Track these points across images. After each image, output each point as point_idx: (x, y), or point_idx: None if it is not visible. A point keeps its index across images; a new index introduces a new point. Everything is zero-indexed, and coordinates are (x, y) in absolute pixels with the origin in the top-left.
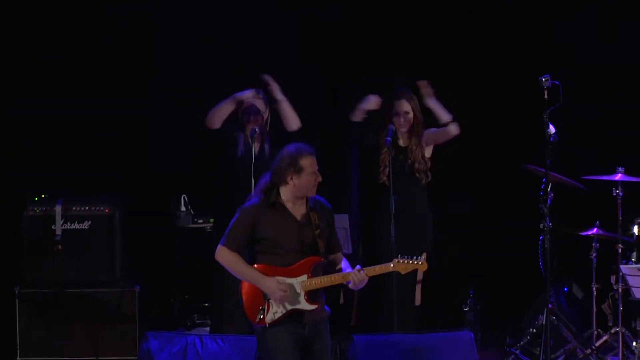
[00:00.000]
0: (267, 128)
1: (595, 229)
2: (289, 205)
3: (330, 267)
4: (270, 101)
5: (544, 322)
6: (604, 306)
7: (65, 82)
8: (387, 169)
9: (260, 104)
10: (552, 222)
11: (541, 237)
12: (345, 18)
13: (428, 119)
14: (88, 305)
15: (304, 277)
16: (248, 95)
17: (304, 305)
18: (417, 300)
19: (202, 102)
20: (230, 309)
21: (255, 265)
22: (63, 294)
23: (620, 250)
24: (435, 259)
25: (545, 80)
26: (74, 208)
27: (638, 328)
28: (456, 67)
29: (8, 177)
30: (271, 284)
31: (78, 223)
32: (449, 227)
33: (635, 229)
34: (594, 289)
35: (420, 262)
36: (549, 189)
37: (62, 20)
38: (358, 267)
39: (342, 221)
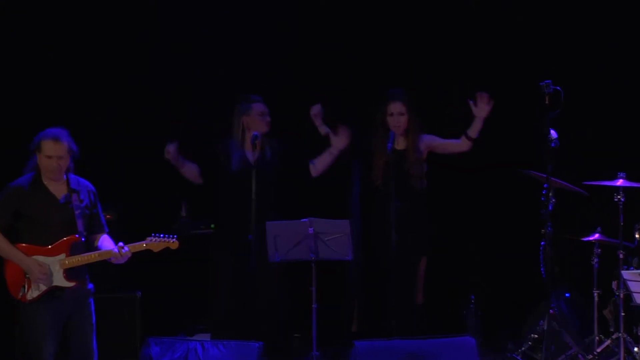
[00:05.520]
0: (269, 135)
1: (596, 235)
2: (49, 185)
3: (93, 246)
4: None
5: (545, 328)
6: (606, 312)
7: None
8: (380, 172)
9: (263, 107)
10: (553, 227)
11: (542, 243)
12: (349, 19)
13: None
14: None
15: (62, 256)
16: (168, 149)
17: (62, 282)
18: (419, 298)
19: (201, 103)
20: (231, 314)
21: (17, 245)
22: None
23: (621, 256)
24: (436, 264)
25: (547, 85)
26: None
27: (639, 334)
28: (456, 69)
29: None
30: (30, 263)
31: None
32: (449, 232)
33: (637, 235)
34: (596, 294)
35: (172, 241)
36: (550, 195)
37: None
38: (121, 244)
39: (343, 227)
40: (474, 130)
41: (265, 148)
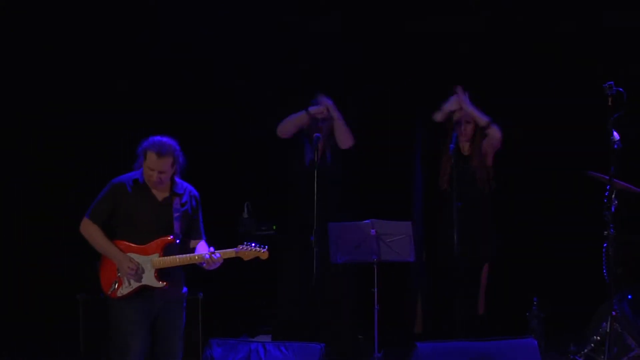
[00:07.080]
0: (330, 137)
1: None
2: (152, 185)
3: (188, 250)
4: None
5: (607, 330)
6: None
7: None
8: (447, 176)
9: (319, 112)
10: (616, 229)
11: (605, 245)
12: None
13: None
14: None
15: (156, 256)
16: (319, 110)
17: (153, 282)
18: (480, 309)
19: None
20: (293, 315)
21: (115, 241)
22: None
23: None
24: (499, 266)
25: (609, 87)
26: None
27: None
28: (522, 72)
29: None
30: (122, 259)
31: None
32: (512, 234)
33: None
34: None
35: (262, 251)
36: (613, 196)
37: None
38: (212, 249)
39: (405, 228)
40: (478, 119)
41: (326, 150)
